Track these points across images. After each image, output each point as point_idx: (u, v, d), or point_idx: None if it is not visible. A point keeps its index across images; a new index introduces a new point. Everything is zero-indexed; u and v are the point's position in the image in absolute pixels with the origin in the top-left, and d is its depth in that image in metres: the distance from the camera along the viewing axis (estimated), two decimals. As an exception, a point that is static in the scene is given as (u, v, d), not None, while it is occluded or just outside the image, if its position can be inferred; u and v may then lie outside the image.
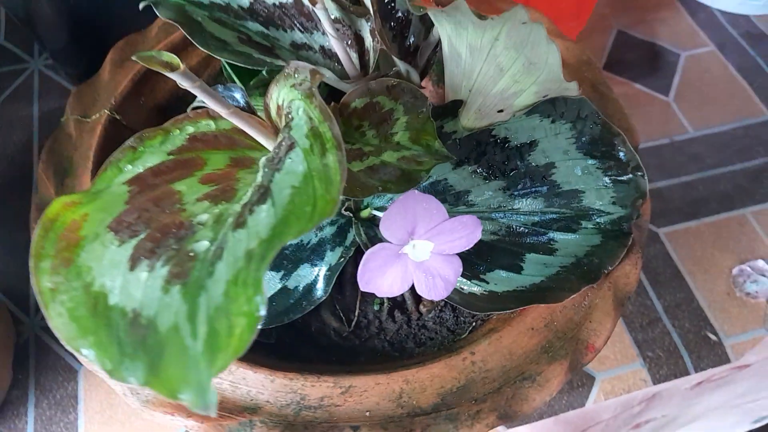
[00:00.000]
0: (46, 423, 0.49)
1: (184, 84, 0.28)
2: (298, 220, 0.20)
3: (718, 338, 0.51)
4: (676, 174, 0.62)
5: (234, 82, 0.37)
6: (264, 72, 0.36)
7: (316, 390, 0.30)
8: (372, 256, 0.30)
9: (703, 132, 0.65)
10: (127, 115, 0.40)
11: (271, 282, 0.34)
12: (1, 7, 0.78)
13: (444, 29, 0.27)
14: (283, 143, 0.25)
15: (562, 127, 0.32)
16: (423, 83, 0.43)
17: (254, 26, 0.37)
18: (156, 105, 0.43)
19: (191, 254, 0.22)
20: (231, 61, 0.34)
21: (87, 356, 0.21)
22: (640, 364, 0.50)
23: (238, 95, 0.34)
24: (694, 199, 0.60)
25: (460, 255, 0.31)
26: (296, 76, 0.27)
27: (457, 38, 0.27)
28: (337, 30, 0.36)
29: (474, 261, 0.34)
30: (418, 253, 0.30)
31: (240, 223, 0.22)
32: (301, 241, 0.34)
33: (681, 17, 0.76)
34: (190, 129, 0.31)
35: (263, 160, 0.26)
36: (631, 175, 0.32)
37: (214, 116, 0.31)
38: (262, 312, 0.17)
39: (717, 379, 0.48)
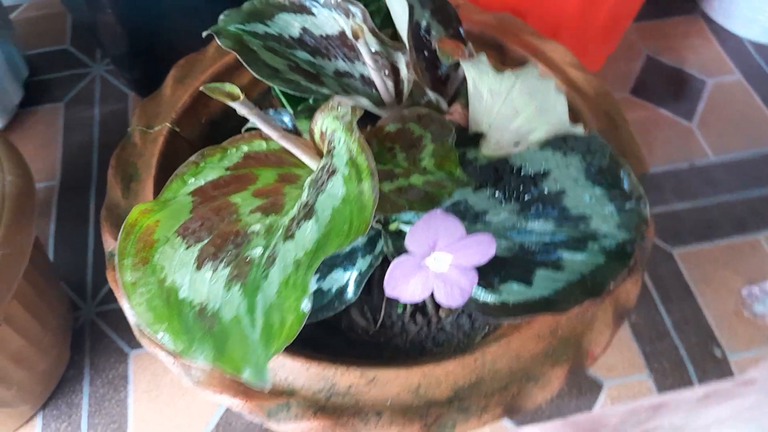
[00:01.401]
0: (99, 399, 0.55)
1: (243, 112, 0.33)
2: (337, 237, 0.24)
3: (724, 354, 0.54)
4: (693, 197, 0.64)
5: (284, 105, 0.42)
6: (311, 100, 0.40)
7: (345, 379, 0.35)
8: (397, 265, 0.34)
9: (723, 158, 0.68)
10: (185, 128, 0.45)
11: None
12: (68, 14, 0.84)
13: (469, 73, 0.32)
14: (326, 168, 0.29)
15: (572, 159, 0.36)
16: (453, 107, 0.47)
17: (302, 55, 0.42)
18: (210, 119, 0.48)
19: (248, 259, 0.27)
20: (281, 88, 0.38)
21: (162, 339, 0.25)
22: (647, 375, 0.54)
23: (286, 119, 0.39)
24: (709, 222, 0.63)
25: (478, 267, 0.35)
26: (339, 109, 0.32)
27: (480, 82, 0.31)
28: (376, 61, 0.41)
29: (490, 273, 0.38)
30: (438, 265, 0.34)
31: (289, 236, 0.26)
32: (336, 248, 0.39)
33: (710, 45, 0.78)
34: (245, 148, 0.36)
35: (308, 180, 0.31)
36: (634, 204, 0.36)
37: (265, 137, 0.36)
38: (308, 309, 0.21)
39: (722, 392, 0.51)
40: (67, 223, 0.65)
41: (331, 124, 0.33)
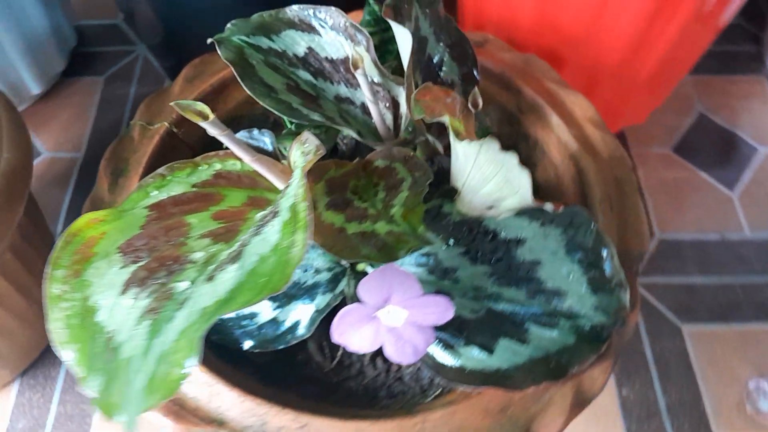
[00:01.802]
0: (74, 377, 0.55)
1: (213, 132, 0.32)
2: (249, 291, 0.23)
3: (715, 450, 0.51)
4: (717, 272, 0.60)
5: (284, 124, 0.41)
6: (293, 126, 0.39)
7: (277, 419, 0.34)
8: (348, 313, 0.33)
9: (760, 236, 0.63)
10: (185, 129, 0.45)
11: (266, 310, 0.38)
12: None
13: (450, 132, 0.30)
14: (275, 207, 0.28)
15: (552, 231, 0.33)
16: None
17: (304, 75, 0.41)
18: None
19: (170, 293, 0.26)
20: (272, 109, 0.37)
21: (68, 359, 0.25)
22: (626, 457, 0.50)
23: (267, 140, 0.38)
24: (730, 302, 0.58)
25: (442, 325, 0.33)
26: (306, 145, 0.31)
27: (455, 141, 0.29)
28: (374, 93, 0.39)
29: (453, 334, 0.36)
30: (391, 319, 0.33)
31: (211, 278, 0.25)
32: (299, 279, 0.38)
33: (770, 110, 0.73)
34: (218, 166, 0.35)
35: (258, 215, 0.30)
36: (613, 289, 0.33)
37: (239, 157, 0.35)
38: (190, 371, 0.20)
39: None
40: (82, 197, 0.66)
41: (299, 158, 0.31)
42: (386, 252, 0.31)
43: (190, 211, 0.33)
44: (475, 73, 0.43)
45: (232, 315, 0.38)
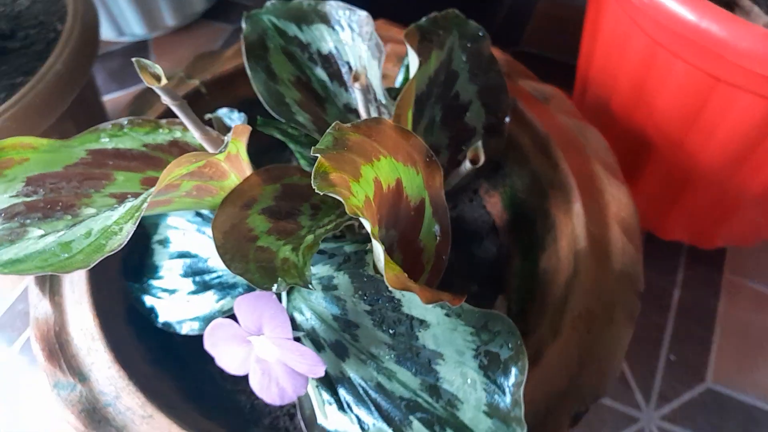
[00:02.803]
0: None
1: (165, 99, 0.31)
2: (44, 261, 0.22)
3: None
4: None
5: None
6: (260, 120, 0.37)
7: (128, 399, 0.32)
8: (222, 326, 0.30)
9: None
10: (213, 95, 0.45)
11: (183, 288, 0.37)
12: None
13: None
14: (147, 193, 0.27)
15: (459, 326, 0.28)
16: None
17: (320, 73, 0.39)
18: (245, 100, 0.46)
19: (21, 234, 0.26)
20: (259, 94, 0.36)
21: None
22: None
23: (237, 118, 0.36)
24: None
25: (334, 377, 0.30)
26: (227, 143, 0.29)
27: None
28: (381, 114, 0.36)
29: (335, 393, 0.32)
30: (262, 351, 0.30)
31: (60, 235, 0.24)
32: (223, 273, 0.36)
33: None
34: (177, 134, 0.35)
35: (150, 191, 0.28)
36: (509, 423, 0.27)
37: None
38: None
39: None
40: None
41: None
42: (264, 275, 0.28)
43: (125, 169, 0.33)
44: (502, 126, 0.38)
45: (157, 283, 0.38)
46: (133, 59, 0.30)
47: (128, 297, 0.38)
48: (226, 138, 0.28)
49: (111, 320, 0.36)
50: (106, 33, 0.75)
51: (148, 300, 0.37)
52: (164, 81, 0.30)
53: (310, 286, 0.27)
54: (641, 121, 0.47)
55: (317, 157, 0.24)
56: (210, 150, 0.33)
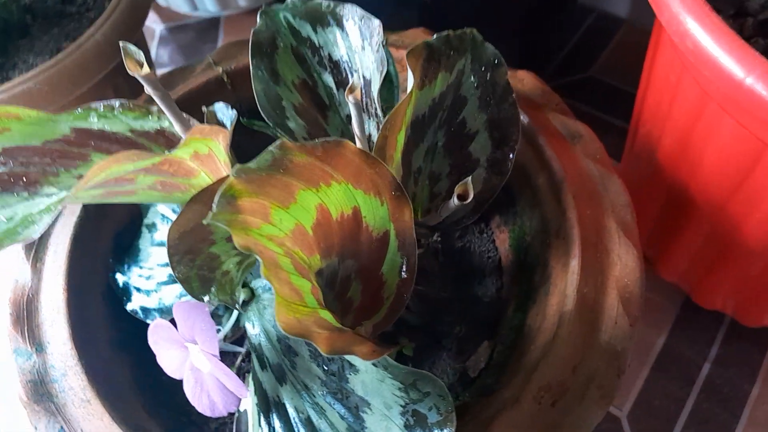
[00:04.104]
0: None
1: (148, 89, 0.31)
2: None
3: None
4: None
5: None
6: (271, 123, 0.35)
7: (72, 379, 0.32)
8: (162, 327, 0.30)
9: None
10: (235, 84, 0.45)
11: (158, 276, 0.36)
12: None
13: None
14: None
15: (387, 379, 0.26)
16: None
17: (328, 80, 0.37)
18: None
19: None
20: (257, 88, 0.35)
21: None
22: None
23: (227, 119, 0.35)
24: None
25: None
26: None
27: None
28: (362, 129, 0.34)
29: (269, 415, 0.31)
30: (197, 360, 0.29)
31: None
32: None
33: None
34: (166, 123, 0.34)
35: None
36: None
37: (186, 127, 0.33)
38: None
39: None
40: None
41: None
42: (201, 286, 0.27)
43: (104, 151, 0.33)
44: (507, 162, 0.35)
45: (136, 267, 0.38)
46: (120, 42, 0.30)
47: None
48: (185, 137, 0.27)
49: (83, 296, 0.36)
50: (181, 6, 0.77)
51: (123, 282, 0.37)
52: (146, 70, 0.30)
53: (236, 306, 0.26)
54: (686, 174, 0.42)
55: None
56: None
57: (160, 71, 0.69)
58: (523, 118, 0.39)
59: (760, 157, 0.35)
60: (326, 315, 0.23)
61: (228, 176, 0.33)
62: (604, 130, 0.64)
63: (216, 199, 0.21)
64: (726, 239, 0.42)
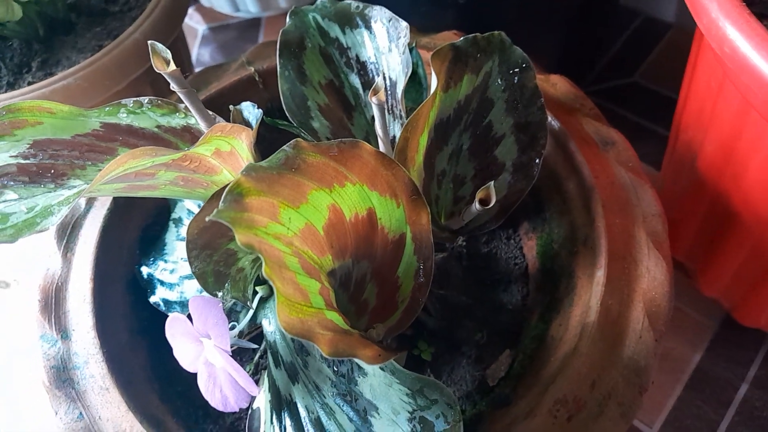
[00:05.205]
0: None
1: (174, 86, 0.31)
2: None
3: None
4: None
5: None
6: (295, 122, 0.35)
7: (93, 367, 0.33)
8: (178, 321, 0.30)
9: None
10: (266, 83, 0.45)
11: (181, 269, 0.37)
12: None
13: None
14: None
15: (394, 384, 0.25)
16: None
17: (355, 81, 0.37)
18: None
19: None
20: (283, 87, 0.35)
21: None
22: None
23: (253, 118, 0.35)
24: None
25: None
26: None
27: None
28: (386, 132, 0.34)
29: (281, 415, 0.31)
30: (210, 354, 0.29)
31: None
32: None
33: None
34: (192, 120, 0.35)
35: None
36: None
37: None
38: None
39: None
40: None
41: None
42: (216, 281, 0.27)
43: (131, 146, 0.33)
44: (534, 166, 0.34)
45: (161, 260, 0.38)
46: (149, 42, 0.30)
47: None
48: (205, 134, 0.28)
49: (109, 286, 0.37)
50: (224, 7, 0.78)
51: (148, 274, 0.38)
52: (172, 67, 0.30)
53: (248, 303, 0.26)
54: (727, 185, 0.41)
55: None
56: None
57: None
58: (554, 122, 0.38)
59: (803, 170, 0.33)
60: (333, 316, 0.23)
61: (249, 174, 0.33)
62: (646, 137, 0.62)
63: (223, 196, 0.21)
64: (768, 255, 0.40)
